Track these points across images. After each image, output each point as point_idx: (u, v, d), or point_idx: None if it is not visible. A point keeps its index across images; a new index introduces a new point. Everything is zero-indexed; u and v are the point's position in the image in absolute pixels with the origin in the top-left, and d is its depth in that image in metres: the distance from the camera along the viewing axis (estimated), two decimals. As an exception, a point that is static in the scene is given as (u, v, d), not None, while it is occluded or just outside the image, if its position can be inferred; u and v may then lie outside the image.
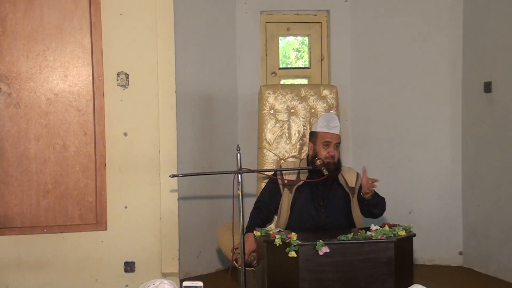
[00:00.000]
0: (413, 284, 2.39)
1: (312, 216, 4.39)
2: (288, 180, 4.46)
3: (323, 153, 4.39)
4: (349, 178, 4.52)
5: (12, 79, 4.79)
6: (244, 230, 3.67)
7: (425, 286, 2.37)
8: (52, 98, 4.83)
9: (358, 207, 4.50)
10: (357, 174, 4.58)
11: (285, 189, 4.47)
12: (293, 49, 7.20)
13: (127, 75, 4.93)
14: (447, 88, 6.36)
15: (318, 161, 4.27)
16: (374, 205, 4.44)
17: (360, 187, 4.38)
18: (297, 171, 4.50)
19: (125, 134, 4.96)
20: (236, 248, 3.95)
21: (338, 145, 4.43)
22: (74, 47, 4.84)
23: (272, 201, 4.51)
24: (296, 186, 4.46)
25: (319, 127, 4.47)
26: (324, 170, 4.17)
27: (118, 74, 4.92)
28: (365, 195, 4.32)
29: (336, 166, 4.40)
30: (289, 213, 4.43)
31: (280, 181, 4.50)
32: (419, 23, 6.41)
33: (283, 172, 4.54)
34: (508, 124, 5.63)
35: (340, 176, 4.49)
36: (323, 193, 4.44)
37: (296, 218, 4.40)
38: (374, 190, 4.38)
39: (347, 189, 4.49)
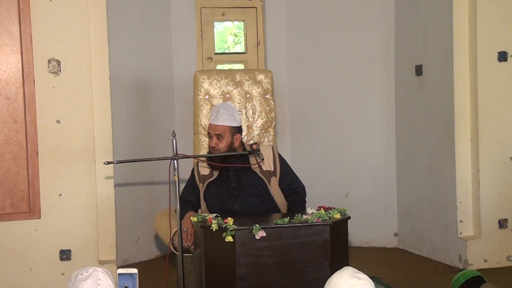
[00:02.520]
0: (345, 266, 2.42)
1: (226, 207, 4.30)
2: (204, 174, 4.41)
3: (209, 145, 4.36)
4: (264, 160, 4.33)
5: None
6: (179, 216, 3.67)
7: (359, 267, 2.41)
8: (-21, 86, 4.72)
9: (279, 190, 4.40)
10: (273, 150, 4.48)
11: (201, 183, 4.43)
12: (230, 34, 7.19)
13: (58, 62, 4.85)
14: (381, 72, 6.46)
15: (254, 145, 4.26)
16: None
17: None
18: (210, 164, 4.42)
19: (58, 121, 4.88)
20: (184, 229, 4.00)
21: (219, 136, 4.28)
22: (1, 34, 4.73)
23: (192, 197, 4.44)
24: (208, 180, 4.39)
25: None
26: (260, 154, 4.17)
27: (49, 61, 4.84)
28: None
29: (223, 156, 4.28)
30: (206, 207, 4.38)
31: (197, 177, 4.45)
32: (353, 7, 6.48)
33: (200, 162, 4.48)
34: (438, 106, 5.76)
35: (252, 158, 4.33)
36: (236, 183, 4.37)
37: (213, 211, 4.32)
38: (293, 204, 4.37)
39: (260, 175, 4.37)
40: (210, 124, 4.37)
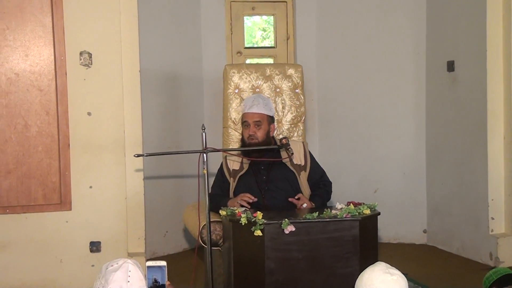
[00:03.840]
0: (378, 262, 2.40)
1: (255, 201, 4.25)
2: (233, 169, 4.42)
3: (245, 135, 4.36)
4: (294, 154, 4.30)
5: (-29, 59, 4.72)
6: (208, 209, 3.66)
7: (388, 264, 2.39)
8: (13, 78, 4.75)
9: (307, 185, 4.40)
10: (304, 146, 4.48)
11: (231, 178, 4.42)
12: (259, 29, 7.18)
13: (90, 55, 4.87)
14: (411, 67, 6.40)
15: (283, 139, 4.23)
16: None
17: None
18: (240, 158, 4.42)
19: (89, 113, 4.91)
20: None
21: (258, 123, 4.32)
22: (34, 26, 4.76)
23: (224, 192, 4.44)
24: (239, 175, 4.39)
25: (242, 110, 4.47)
26: (290, 149, 4.15)
27: (81, 54, 4.86)
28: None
29: (254, 150, 4.29)
30: None
31: (226, 170, 4.45)
32: (384, 2, 6.43)
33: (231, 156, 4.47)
34: (470, 102, 5.69)
35: (283, 152, 4.32)
36: (266, 176, 4.35)
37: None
38: (314, 196, 4.35)
39: (291, 167, 4.36)
40: (246, 113, 4.38)
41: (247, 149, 4.32)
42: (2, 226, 4.81)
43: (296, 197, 4.23)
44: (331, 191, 4.50)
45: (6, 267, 4.83)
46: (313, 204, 4.25)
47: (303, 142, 4.57)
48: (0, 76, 4.74)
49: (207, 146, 3.69)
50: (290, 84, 5.00)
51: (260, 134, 4.32)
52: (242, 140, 4.44)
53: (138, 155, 3.85)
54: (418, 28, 6.34)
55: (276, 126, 4.71)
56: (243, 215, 3.68)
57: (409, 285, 2.35)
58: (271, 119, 4.42)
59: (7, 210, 4.78)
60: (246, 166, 4.39)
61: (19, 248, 4.85)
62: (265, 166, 4.36)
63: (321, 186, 4.45)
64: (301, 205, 4.20)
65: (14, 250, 4.84)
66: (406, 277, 2.35)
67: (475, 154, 5.65)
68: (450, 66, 5.92)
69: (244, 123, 4.39)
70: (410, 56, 6.40)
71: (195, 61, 6.37)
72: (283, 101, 4.96)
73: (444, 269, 5.51)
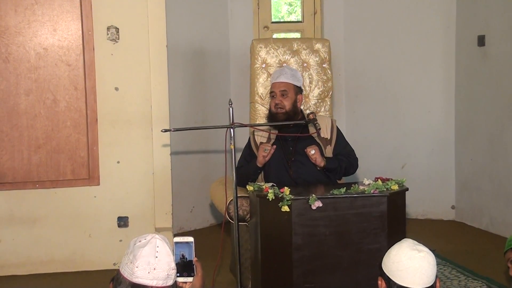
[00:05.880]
0: (404, 238, 2.39)
1: (282, 173, 4.27)
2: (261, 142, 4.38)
3: (272, 104, 4.34)
4: (321, 127, 4.25)
5: (0, 34, 4.72)
6: (235, 185, 3.65)
7: (416, 240, 2.36)
8: (42, 53, 4.78)
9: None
10: (332, 122, 4.45)
11: (258, 151, 4.40)
12: (285, 3, 7.10)
13: (117, 29, 4.87)
14: (441, 42, 6.31)
15: (311, 115, 4.19)
16: (329, 171, 4.28)
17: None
18: (267, 132, 4.40)
19: (116, 88, 4.92)
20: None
21: (284, 92, 4.29)
22: (62, 0, 4.78)
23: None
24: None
25: (270, 82, 4.46)
26: (317, 124, 4.11)
27: (108, 28, 4.86)
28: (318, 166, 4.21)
29: (287, 116, 4.27)
30: (263, 173, 4.36)
31: (253, 144, 4.44)
32: (413, -24, 6.34)
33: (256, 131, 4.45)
34: (501, 77, 5.61)
35: (311, 127, 4.28)
36: (292, 147, 4.33)
37: (270, 177, 4.28)
38: (331, 158, 4.29)
39: (318, 140, 4.31)
40: (273, 83, 4.37)
41: (274, 124, 4.29)
42: (32, 201, 4.87)
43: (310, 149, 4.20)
44: (355, 166, 4.43)
45: (36, 241, 4.90)
46: (323, 160, 4.19)
47: (331, 119, 4.54)
48: (29, 51, 4.77)
49: (234, 121, 3.67)
50: (317, 59, 4.95)
51: (286, 103, 4.29)
52: (269, 111, 4.42)
53: (166, 130, 3.84)
54: (448, 2, 6.23)
55: (303, 98, 4.68)
56: (270, 191, 3.67)
57: (437, 262, 2.33)
58: (298, 89, 4.38)
59: (37, 185, 4.84)
60: (273, 138, 4.37)
61: (49, 223, 4.91)
62: (292, 138, 4.33)
63: (344, 155, 4.38)
64: (310, 150, 4.16)
65: (43, 225, 4.90)
66: (434, 253, 2.33)
67: (506, 129, 5.57)
68: (481, 41, 5.82)
69: (271, 93, 4.38)
70: (440, 30, 6.30)
71: (221, 36, 6.35)
72: (310, 76, 4.92)
73: (473, 246, 5.47)
